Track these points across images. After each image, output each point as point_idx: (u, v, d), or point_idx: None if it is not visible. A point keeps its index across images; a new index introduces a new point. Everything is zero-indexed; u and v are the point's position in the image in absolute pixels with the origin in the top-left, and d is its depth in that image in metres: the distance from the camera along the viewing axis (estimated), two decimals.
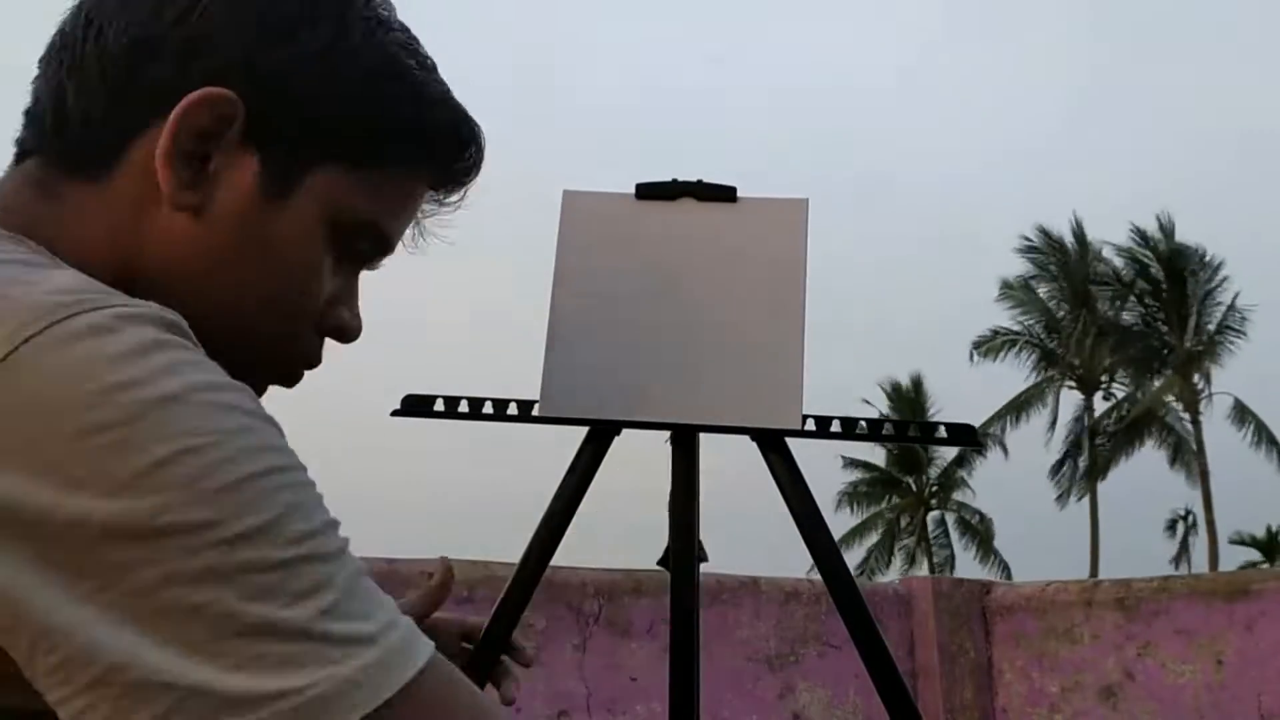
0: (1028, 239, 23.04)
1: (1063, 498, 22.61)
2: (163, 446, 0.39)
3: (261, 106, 0.52)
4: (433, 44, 0.60)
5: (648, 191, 1.02)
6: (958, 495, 24.34)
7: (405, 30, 0.58)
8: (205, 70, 0.51)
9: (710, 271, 1.02)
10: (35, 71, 0.55)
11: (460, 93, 0.60)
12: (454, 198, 0.62)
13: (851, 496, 24.71)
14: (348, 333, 0.60)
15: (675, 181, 1.02)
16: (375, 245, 0.59)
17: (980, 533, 23.80)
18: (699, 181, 1.03)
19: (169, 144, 0.51)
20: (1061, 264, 22.67)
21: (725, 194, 1.02)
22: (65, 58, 0.53)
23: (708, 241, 1.03)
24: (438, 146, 0.59)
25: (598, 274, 1.03)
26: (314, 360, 0.59)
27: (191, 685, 0.37)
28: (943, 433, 0.94)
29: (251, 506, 0.40)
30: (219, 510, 0.39)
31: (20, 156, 0.55)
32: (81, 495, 0.37)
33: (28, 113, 0.55)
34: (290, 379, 0.59)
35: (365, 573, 0.43)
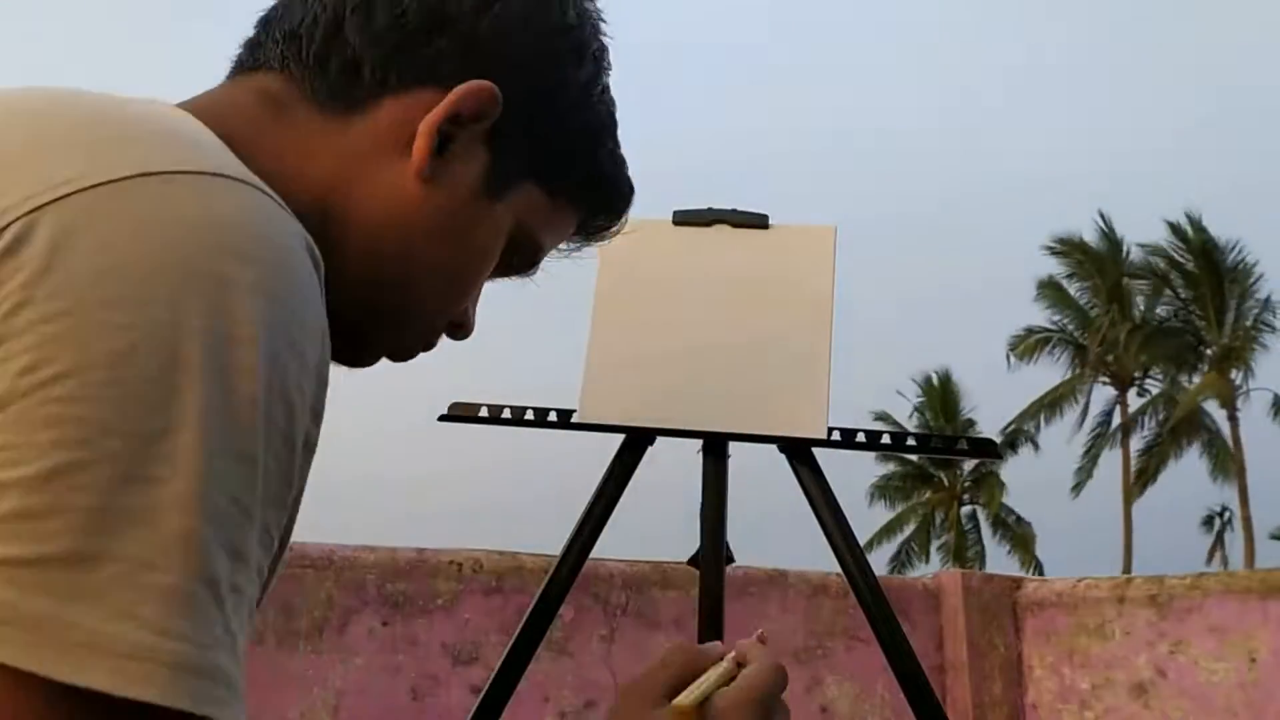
0: (1057, 241, 22.80)
1: (1078, 488, 22.44)
2: (237, 330, 0.37)
3: (512, 114, 0.55)
4: None
5: (684, 218, 1.07)
6: (993, 494, 24.13)
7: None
8: (483, 63, 0.54)
9: (742, 292, 1.07)
10: None
11: None
12: (580, 245, 0.67)
13: (884, 490, 24.61)
14: (467, 331, 0.64)
15: (710, 209, 1.07)
16: (527, 262, 0.63)
17: (1018, 534, 23.56)
18: (733, 210, 1.08)
19: (439, 117, 0.53)
20: (1095, 261, 22.42)
21: (758, 221, 1.06)
22: None
23: (740, 264, 1.08)
24: (611, 204, 0.64)
25: (635, 294, 1.08)
26: (433, 345, 0.62)
27: (75, 551, 0.33)
28: (964, 445, 0.97)
29: (290, 441, 0.39)
30: (270, 418, 0.38)
31: (248, 66, 0.56)
32: (197, 338, 0.36)
33: (267, 23, 0.56)
34: (408, 356, 0.61)
35: None
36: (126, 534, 0.33)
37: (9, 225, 0.37)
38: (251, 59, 0.56)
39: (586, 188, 0.62)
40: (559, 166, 0.59)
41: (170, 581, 0.34)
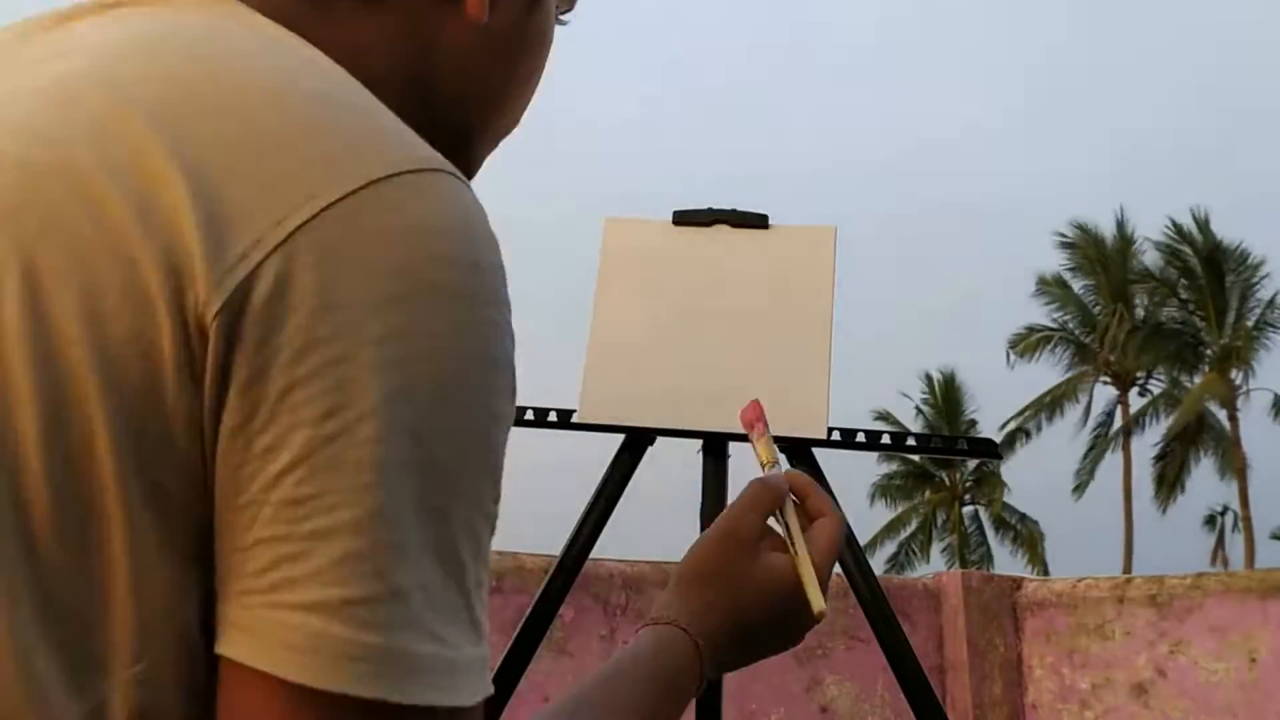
0: (1064, 234, 22.80)
1: (1079, 489, 22.43)
2: (492, 348, 0.38)
3: None
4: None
5: (684, 218, 1.07)
6: (991, 492, 24.12)
7: None
8: None
9: (742, 292, 1.07)
10: None
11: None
12: None
13: (885, 490, 24.61)
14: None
15: (710, 209, 1.07)
16: (568, 6, 0.62)
17: (1023, 535, 23.51)
18: (733, 210, 1.08)
19: None
20: (1100, 258, 22.41)
21: (758, 221, 1.06)
22: None
23: (740, 264, 1.08)
24: None
25: (636, 293, 1.08)
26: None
27: (394, 587, 0.35)
28: (964, 445, 0.97)
29: (497, 444, 0.39)
30: (487, 429, 0.38)
31: None
32: (411, 343, 0.36)
33: None
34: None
35: None
36: (422, 563, 0.36)
37: (270, 256, 0.35)
38: None
39: None
40: None
41: (453, 600, 0.37)
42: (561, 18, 0.61)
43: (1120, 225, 22.52)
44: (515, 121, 0.59)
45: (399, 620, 0.35)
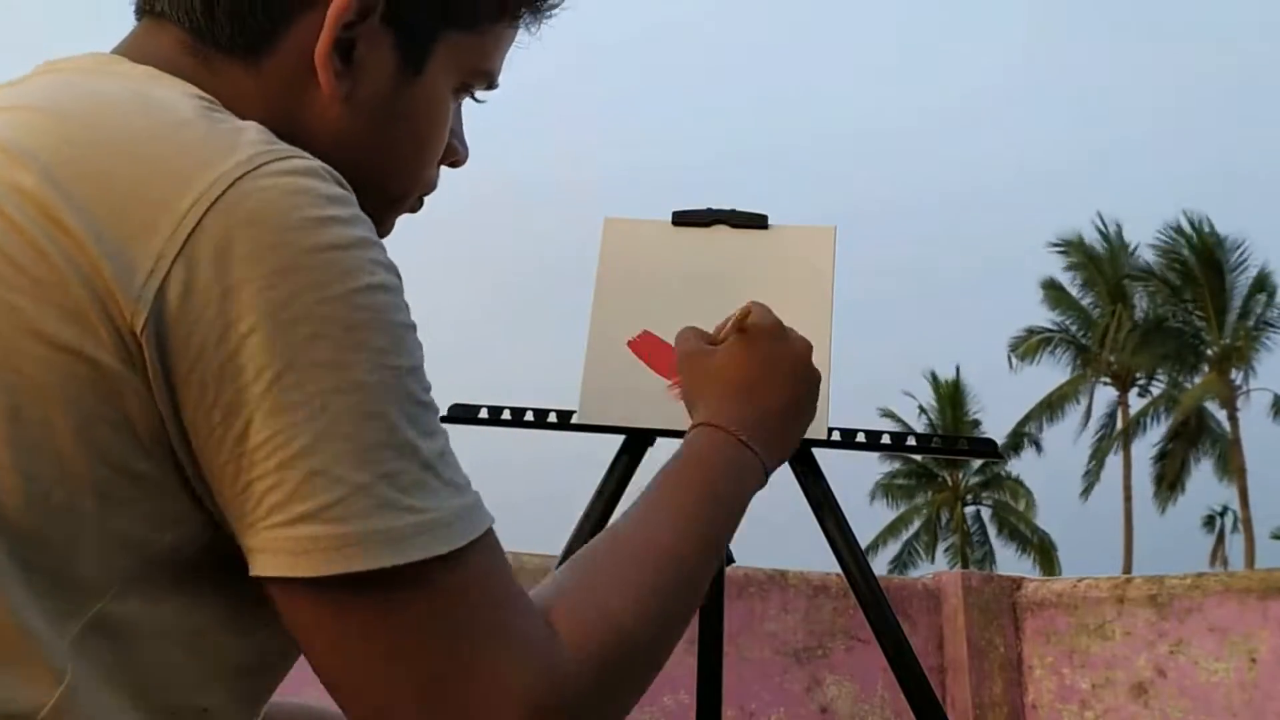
0: (1060, 240, 22.77)
1: (1086, 493, 22.42)
2: (365, 278, 0.46)
3: None
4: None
5: (683, 219, 1.07)
6: (1003, 497, 24.07)
7: None
8: None
9: (741, 292, 1.06)
10: None
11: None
12: (537, 23, 0.66)
13: (887, 489, 24.58)
14: (460, 162, 0.66)
15: (710, 210, 1.07)
16: (488, 86, 0.64)
17: (1034, 543, 23.40)
18: (732, 210, 1.08)
19: (328, 41, 0.54)
20: (1095, 260, 22.40)
21: (757, 221, 1.07)
22: None
23: (740, 265, 1.08)
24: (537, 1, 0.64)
25: (635, 294, 1.08)
26: (433, 188, 0.65)
27: (355, 484, 0.44)
28: (964, 445, 0.97)
29: (411, 348, 0.47)
30: (394, 342, 0.46)
31: (148, 12, 0.57)
32: (300, 300, 0.44)
33: None
34: (416, 209, 0.65)
35: None
36: (376, 458, 0.45)
37: (173, 266, 0.44)
38: (149, 7, 0.57)
39: (503, 1, 0.61)
40: (465, 4, 0.59)
41: (416, 476, 0.46)
42: (477, 95, 0.64)
43: (1104, 232, 22.48)
44: (410, 186, 0.62)
45: (370, 508, 0.44)
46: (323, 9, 0.54)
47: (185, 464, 0.45)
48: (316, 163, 0.48)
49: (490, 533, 0.48)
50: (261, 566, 0.45)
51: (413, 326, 0.48)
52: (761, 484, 0.68)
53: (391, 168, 0.60)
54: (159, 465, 0.45)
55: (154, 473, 0.45)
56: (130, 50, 0.56)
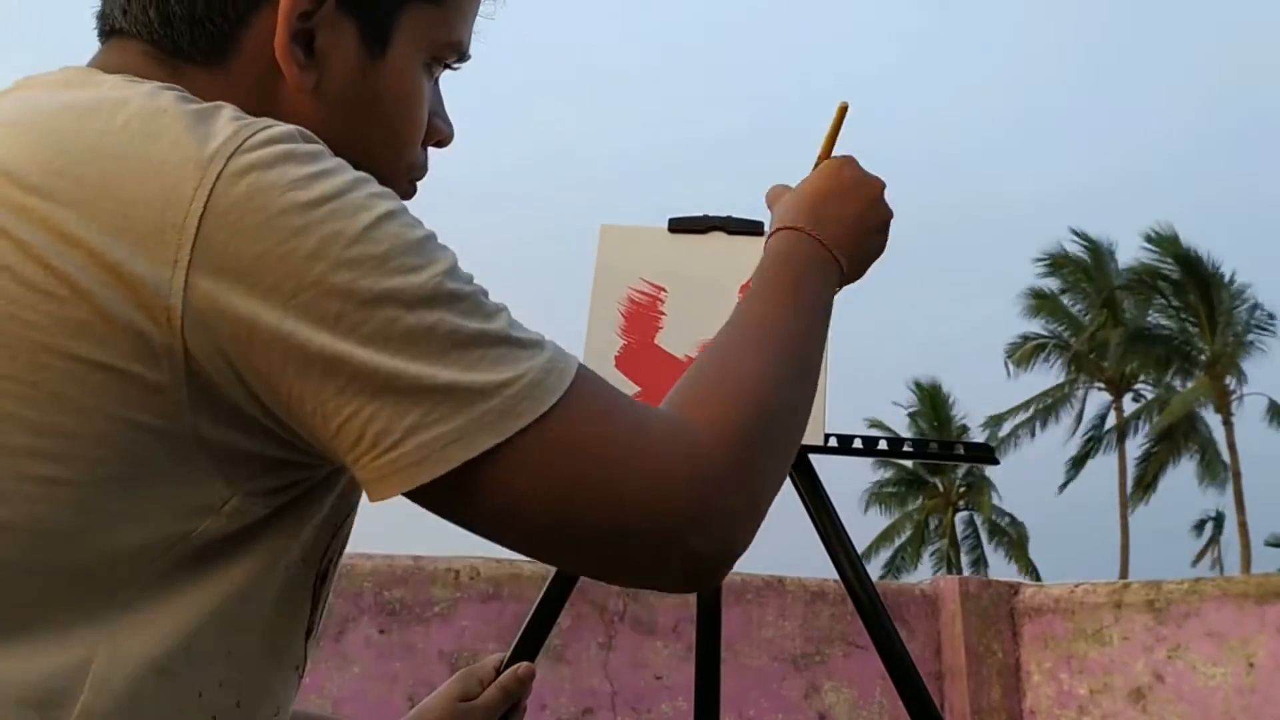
0: (1046, 255, 22.82)
1: (1064, 486, 22.51)
2: (372, 212, 0.48)
3: None
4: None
5: (679, 225, 1.07)
6: (983, 496, 24.13)
7: None
8: None
9: (736, 299, 1.06)
10: None
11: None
12: None
13: (878, 496, 24.59)
14: (445, 141, 0.66)
15: (706, 216, 1.07)
16: (457, 57, 0.64)
17: (1012, 536, 23.55)
18: (728, 217, 1.08)
19: (285, 36, 0.55)
20: (1083, 271, 22.47)
21: (753, 228, 1.07)
22: None
23: (736, 271, 1.07)
24: None
25: (631, 300, 1.08)
26: (424, 172, 0.65)
27: (444, 384, 0.47)
28: (961, 450, 0.97)
29: (439, 255, 0.50)
30: (423, 255, 0.49)
31: (112, 32, 0.58)
32: (327, 253, 0.46)
33: None
34: (410, 194, 0.65)
35: None
36: (444, 371, 0.48)
37: (192, 259, 0.46)
38: (110, 26, 0.58)
39: None
40: None
41: (485, 369, 0.49)
42: (453, 65, 0.64)
43: (1090, 247, 22.53)
44: (395, 168, 0.62)
45: (456, 411, 0.47)
46: (275, 4, 0.55)
47: (276, 429, 0.49)
48: (290, 125, 0.50)
49: (583, 366, 0.51)
50: (384, 491, 0.48)
51: (432, 235, 0.51)
52: (837, 288, 0.70)
53: (372, 152, 0.60)
54: (180, 458, 0.48)
55: (175, 467, 0.48)
56: (102, 66, 0.56)
